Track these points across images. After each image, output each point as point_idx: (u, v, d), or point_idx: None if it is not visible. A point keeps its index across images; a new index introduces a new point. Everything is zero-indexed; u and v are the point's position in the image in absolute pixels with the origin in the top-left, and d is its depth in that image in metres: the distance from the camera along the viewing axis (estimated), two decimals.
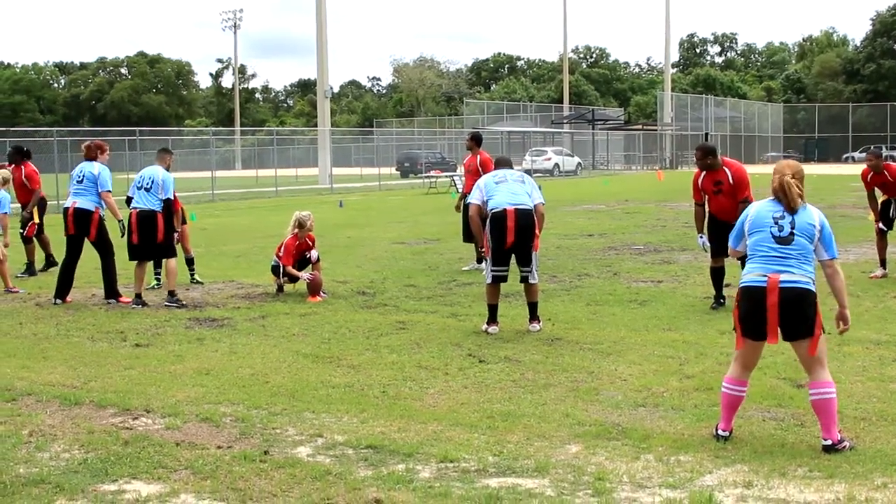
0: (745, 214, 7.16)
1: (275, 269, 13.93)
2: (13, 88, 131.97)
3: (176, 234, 13.69)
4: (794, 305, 6.64)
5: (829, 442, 6.54)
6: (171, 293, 13.14)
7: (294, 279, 13.72)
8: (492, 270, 10.98)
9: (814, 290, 6.72)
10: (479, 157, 16.33)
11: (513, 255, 10.99)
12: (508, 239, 10.82)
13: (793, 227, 6.76)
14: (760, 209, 6.98)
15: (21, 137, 45.57)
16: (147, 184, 13.29)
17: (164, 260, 13.48)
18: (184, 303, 13.08)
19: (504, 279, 11.08)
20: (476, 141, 16.78)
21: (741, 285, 6.91)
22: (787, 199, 6.81)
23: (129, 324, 11.78)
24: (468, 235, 15.95)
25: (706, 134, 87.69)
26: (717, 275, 12.25)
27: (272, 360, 9.61)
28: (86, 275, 14.77)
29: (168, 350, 10.23)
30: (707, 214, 12.27)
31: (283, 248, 13.74)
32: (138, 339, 10.81)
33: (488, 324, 11.03)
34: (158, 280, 14.71)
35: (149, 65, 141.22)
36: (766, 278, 6.69)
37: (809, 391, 6.81)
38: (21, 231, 16.92)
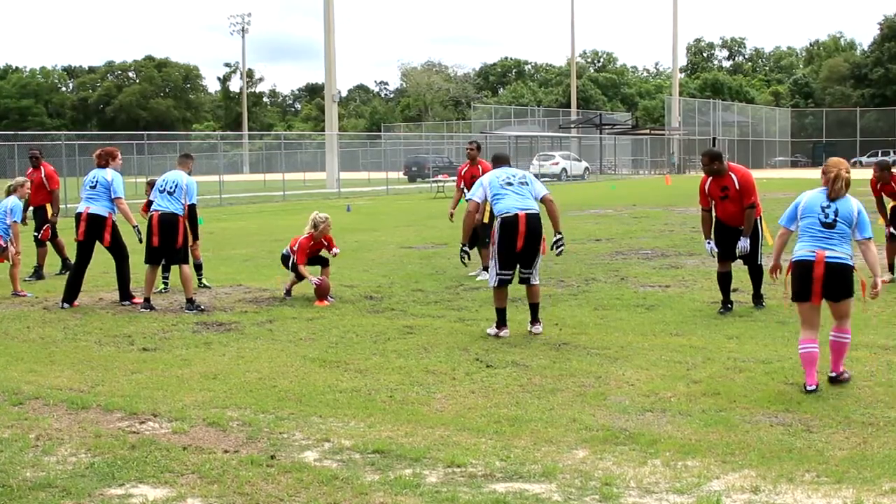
0: (797, 201, 8.64)
1: (284, 259, 13.96)
2: (21, 92, 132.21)
3: (197, 242, 13.80)
4: (838, 275, 8.27)
5: (833, 374, 8.41)
6: (190, 300, 13.11)
7: (301, 278, 13.73)
8: (498, 274, 10.97)
9: (852, 264, 8.38)
10: (480, 167, 16.25)
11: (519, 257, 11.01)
12: (519, 244, 10.83)
13: (836, 216, 8.31)
14: (812, 198, 8.52)
15: (29, 141, 45.71)
16: (170, 187, 13.34)
17: (178, 266, 13.41)
18: (204, 307, 13.07)
19: (510, 282, 11.09)
20: (480, 150, 16.76)
21: (794, 259, 8.45)
22: (834, 190, 8.35)
23: (137, 328, 11.80)
24: (474, 241, 15.89)
25: (714, 138, 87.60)
26: (725, 280, 12.23)
27: (279, 365, 9.62)
28: (93, 279, 14.79)
29: (175, 354, 10.24)
30: (714, 220, 12.27)
31: (297, 245, 13.72)
32: (145, 343, 10.82)
33: (498, 327, 11.02)
34: (166, 284, 14.73)
35: (157, 69, 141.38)
36: (814, 254, 8.28)
37: (831, 333, 8.45)
38: (35, 234, 16.98)
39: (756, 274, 12.41)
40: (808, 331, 8.36)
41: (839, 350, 8.43)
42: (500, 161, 11.83)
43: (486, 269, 15.18)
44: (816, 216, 8.38)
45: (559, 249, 11.30)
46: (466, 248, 11.52)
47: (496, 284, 11.02)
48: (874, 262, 8.39)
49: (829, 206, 8.34)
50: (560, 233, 11.24)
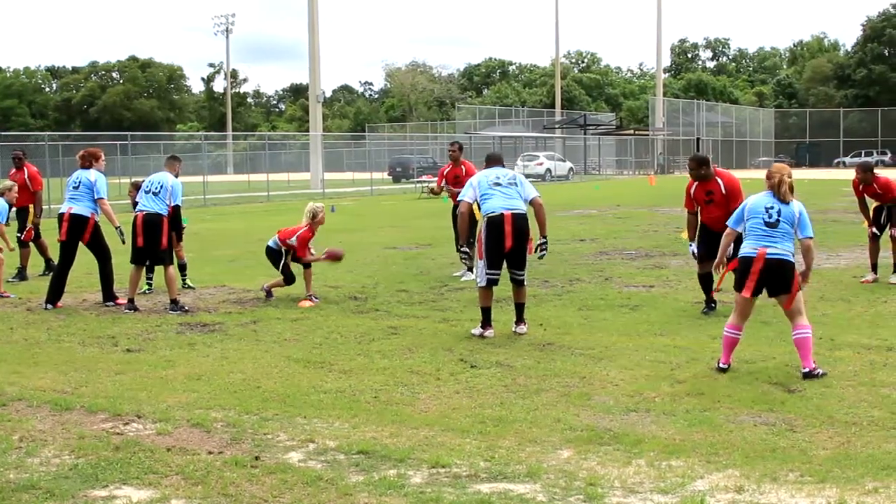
0: (743, 204, 9.21)
1: (271, 252, 13.85)
2: (4, 93, 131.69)
3: (181, 244, 13.79)
4: (777, 269, 8.80)
5: (806, 370, 8.69)
6: (174, 301, 13.08)
7: (308, 264, 13.67)
8: (486, 273, 10.98)
9: (792, 260, 8.88)
10: (463, 167, 16.26)
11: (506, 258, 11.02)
12: (507, 243, 10.84)
13: (779, 216, 8.85)
14: (757, 200, 9.03)
15: (12, 142, 45.46)
16: (156, 188, 13.32)
17: (163, 267, 13.35)
18: (187, 308, 13.04)
19: (497, 283, 11.09)
20: (462, 150, 16.74)
21: (739, 256, 9.04)
22: (781, 194, 8.87)
23: (121, 329, 11.76)
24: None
25: (697, 139, 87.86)
26: (706, 280, 12.24)
27: (263, 366, 9.60)
28: (77, 279, 14.74)
29: (159, 355, 10.21)
30: (699, 223, 12.27)
31: (297, 239, 13.66)
32: (129, 345, 10.79)
33: (483, 327, 11.02)
34: (150, 285, 14.69)
35: (140, 69, 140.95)
36: (756, 251, 8.83)
37: (792, 332, 8.90)
38: (18, 235, 16.92)
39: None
40: (738, 318, 9.06)
41: (804, 345, 8.78)
42: (492, 161, 11.80)
43: (470, 269, 15.15)
44: (761, 216, 8.92)
45: (542, 253, 11.32)
46: (465, 249, 11.53)
47: (484, 284, 11.03)
48: (810, 261, 9.10)
49: (772, 207, 8.90)
50: (545, 237, 11.25)
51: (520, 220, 10.90)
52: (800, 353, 8.81)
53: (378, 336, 11.05)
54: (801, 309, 8.88)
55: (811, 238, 9.00)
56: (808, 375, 8.63)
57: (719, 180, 11.95)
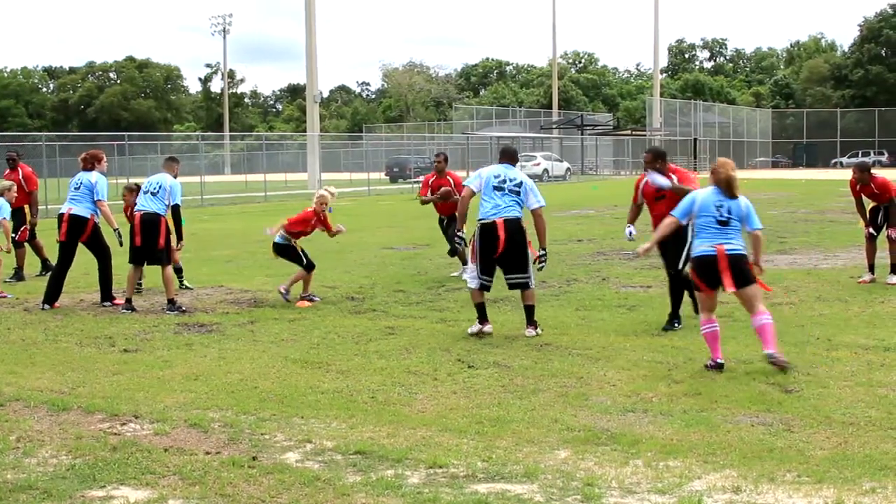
0: (692, 199, 9.40)
1: (283, 249, 13.79)
2: (1, 93, 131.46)
3: (181, 243, 13.76)
4: (736, 264, 9.05)
5: (769, 352, 8.92)
6: (171, 301, 13.09)
7: (311, 265, 13.67)
8: (479, 278, 10.98)
9: (745, 253, 9.20)
10: (450, 178, 16.11)
11: (499, 262, 11.00)
12: (499, 249, 10.83)
13: (729, 213, 9.12)
14: (706, 197, 9.26)
15: (9, 142, 45.40)
16: (154, 188, 13.40)
17: (161, 267, 13.32)
18: (185, 308, 13.06)
19: (488, 289, 11.12)
20: (447, 162, 16.52)
21: (695, 255, 9.25)
22: (730, 190, 9.16)
23: (118, 329, 11.76)
24: (454, 251, 15.83)
25: (695, 139, 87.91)
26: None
27: (261, 366, 9.60)
28: (74, 280, 14.73)
29: (156, 355, 10.21)
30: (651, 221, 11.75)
31: (299, 221, 13.76)
32: (127, 345, 10.78)
33: (481, 323, 11.04)
34: (140, 284, 14.63)
35: (137, 69, 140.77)
36: (714, 249, 9.05)
37: (752, 319, 9.14)
38: (13, 235, 16.89)
39: (677, 288, 11.46)
40: (707, 313, 9.28)
41: (766, 330, 9.03)
42: (505, 156, 11.58)
43: (464, 263, 15.13)
44: (712, 215, 9.16)
45: (540, 265, 11.29)
46: (461, 234, 11.53)
47: (475, 287, 11.05)
48: (759, 250, 9.43)
49: (722, 205, 9.17)
50: (545, 249, 11.22)
51: (512, 227, 10.86)
52: (764, 337, 9.04)
53: (375, 336, 11.05)
54: (758, 296, 9.19)
55: (760, 229, 9.39)
56: (773, 358, 8.91)
57: (674, 177, 11.46)
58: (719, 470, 6.31)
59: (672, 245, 11.02)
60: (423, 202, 16.70)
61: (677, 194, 10.68)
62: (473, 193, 11.23)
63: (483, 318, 11.09)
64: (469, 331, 11.10)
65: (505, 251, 10.84)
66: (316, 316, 12.46)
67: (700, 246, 9.22)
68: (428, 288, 14.88)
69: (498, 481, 6.14)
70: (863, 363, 9.29)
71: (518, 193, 11.08)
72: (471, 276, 11.17)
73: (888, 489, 5.89)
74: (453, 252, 15.96)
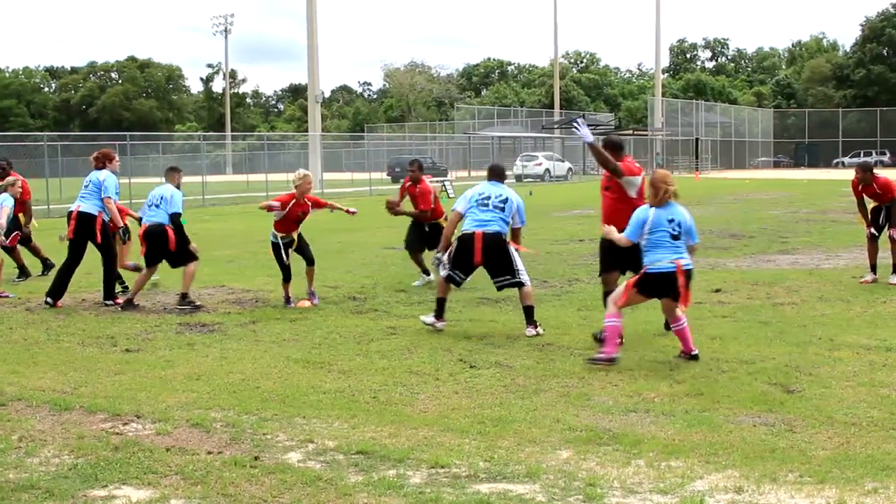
0: (643, 216, 9.49)
1: (273, 248, 13.70)
2: (3, 93, 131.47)
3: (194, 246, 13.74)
4: (689, 280, 9.47)
5: (694, 352, 9.48)
6: (184, 295, 13.31)
7: (311, 261, 13.65)
8: (451, 270, 11.05)
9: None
10: (419, 187, 15.70)
11: (484, 268, 11.09)
12: (476, 259, 10.96)
13: (680, 228, 9.44)
14: (658, 214, 9.44)
15: (11, 142, 45.46)
16: (157, 201, 13.62)
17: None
18: (198, 304, 13.24)
19: (458, 284, 11.34)
20: (422, 169, 16.21)
21: (657, 270, 9.41)
22: (662, 199, 9.41)
23: (120, 329, 11.76)
24: (432, 245, 15.22)
25: (696, 139, 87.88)
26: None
27: (263, 366, 9.60)
28: (76, 280, 14.70)
29: (158, 355, 10.21)
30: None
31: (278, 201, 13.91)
32: (129, 345, 10.79)
33: (436, 318, 11.20)
34: (125, 287, 14.56)
35: (139, 69, 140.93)
36: (674, 264, 9.34)
37: (672, 325, 9.66)
38: (4, 239, 16.85)
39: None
40: (619, 310, 9.64)
41: (684, 335, 9.55)
42: (492, 175, 11.61)
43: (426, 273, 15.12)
44: (666, 230, 9.43)
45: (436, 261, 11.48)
46: (440, 256, 11.37)
47: (443, 276, 11.18)
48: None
49: (673, 220, 9.45)
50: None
51: (490, 238, 10.90)
52: (683, 340, 9.55)
53: (377, 336, 11.05)
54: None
55: (698, 243, 10.04)
56: (689, 356, 9.48)
57: (619, 164, 10.69)
58: (721, 470, 6.31)
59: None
60: (395, 213, 16.23)
61: (597, 158, 10.75)
62: (461, 216, 11.25)
63: (440, 314, 11.21)
64: (423, 318, 11.36)
65: (484, 261, 10.96)
66: (318, 316, 12.47)
67: (659, 262, 9.41)
68: (430, 288, 14.85)
69: (500, 481, 6.14)
70: (865, 363, 9.29)
71: (503, 210, 11.08)
72: (443, 266, 11.19)
73: (890, 489, 5.89)
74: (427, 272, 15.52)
